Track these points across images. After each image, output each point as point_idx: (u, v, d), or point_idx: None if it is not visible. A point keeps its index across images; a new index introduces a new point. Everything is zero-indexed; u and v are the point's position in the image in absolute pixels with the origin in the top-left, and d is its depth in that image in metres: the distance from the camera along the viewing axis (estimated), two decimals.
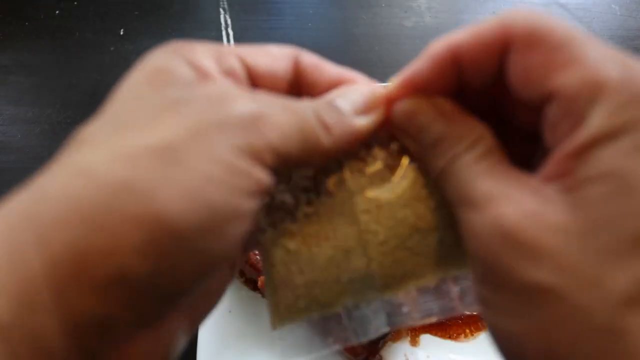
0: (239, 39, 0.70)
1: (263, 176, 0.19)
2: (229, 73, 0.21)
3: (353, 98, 0.22)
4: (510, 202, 0.18)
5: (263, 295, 0.53)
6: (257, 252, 0.53)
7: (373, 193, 0.22)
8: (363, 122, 0.22)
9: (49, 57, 0.69)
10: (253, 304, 0.53)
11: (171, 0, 0.74)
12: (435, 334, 0.52)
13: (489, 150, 0.20)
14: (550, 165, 0.18)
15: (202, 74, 0.20)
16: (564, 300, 0.16)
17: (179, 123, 0.18)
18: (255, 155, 0.18)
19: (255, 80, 0.23)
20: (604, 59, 0.17)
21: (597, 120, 0.16)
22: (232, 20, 0.72)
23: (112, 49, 0.69)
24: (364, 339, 0.23)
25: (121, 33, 0.70)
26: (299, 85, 0.24)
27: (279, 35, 0.71)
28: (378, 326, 0.23)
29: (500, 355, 0.19)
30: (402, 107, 0.22)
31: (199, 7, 0.74)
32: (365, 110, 0.22)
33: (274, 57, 0.24)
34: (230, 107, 0.18)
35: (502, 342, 0.19)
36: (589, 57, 0.17)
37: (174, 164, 0.17)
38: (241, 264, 0.54)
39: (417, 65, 0.21)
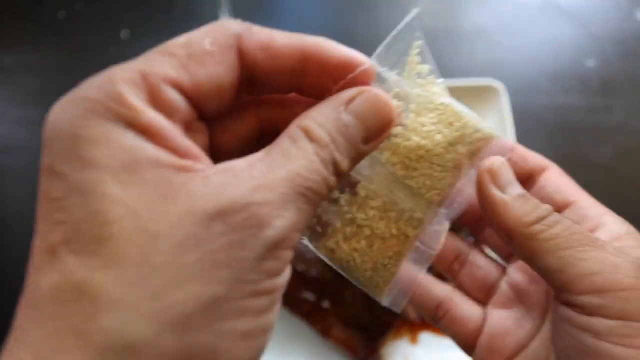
0: None
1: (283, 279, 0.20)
2: (166, 110, 0.18)
3: (370, 123, 0.20)
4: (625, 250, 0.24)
5: None
6: None
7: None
8: (369, 149, 0.21)
9: (53, 59, 0.69)
10: None
11: (174, 2, 0.74)
12: (435, 333, 0.52)
13: None
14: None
15: (142, 130, 0.17)
16: None
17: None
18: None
19: (200, 101, 0.19)
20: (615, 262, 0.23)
21: (614, 226, 0.25)
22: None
23: (114, 50, 0.69)
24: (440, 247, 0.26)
25: (124, 35, 0.71)
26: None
27: None
28: (443, 230, 0.26)
29: None
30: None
31: (201, 9, 0.74)
32: (375, 137, 0.21)
33: (218, 57, 0.19)
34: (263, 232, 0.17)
35: None
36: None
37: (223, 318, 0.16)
38: None
39: None
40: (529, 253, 0.23)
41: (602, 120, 0.64)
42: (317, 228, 0.25)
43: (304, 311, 0.51)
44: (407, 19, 0.24)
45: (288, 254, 0.19)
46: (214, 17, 0.72)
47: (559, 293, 0.23)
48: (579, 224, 0.24)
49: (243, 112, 0.22)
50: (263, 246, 0.17)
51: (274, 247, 0.17)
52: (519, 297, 0.28)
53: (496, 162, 0.24)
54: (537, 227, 0.23)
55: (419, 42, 0.24)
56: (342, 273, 0.26)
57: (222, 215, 0.16)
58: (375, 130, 0.21)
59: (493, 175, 0.24)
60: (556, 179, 0.27)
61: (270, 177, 0.17)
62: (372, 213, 0.24)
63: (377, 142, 0.21)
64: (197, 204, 0.16)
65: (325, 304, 0.51)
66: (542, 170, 0.28)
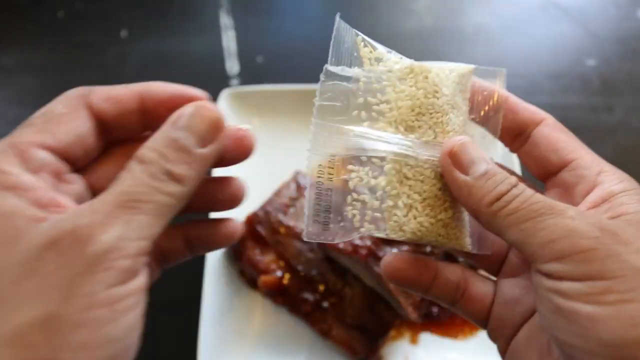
0: (240, 40, 0.70)
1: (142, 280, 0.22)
2: (34, 168, 0.22)
3: (198, 127, 0.23)
4: (591, 212, 0.24)
5: (263, 295, 0.53)
6: (257, 251, 0.53)
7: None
8: (210, 151, 0.24)
9: (51, 58, 0.69)
10: (253, 303, 0.53)
11: (172, 1, 0.74)
12: (435, 333, 0.52)
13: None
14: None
15: (10, 187, 0.21)
16: None
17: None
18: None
19: (66, 153, 0.24)
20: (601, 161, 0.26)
21: (611, 183, 0.25)
22: (232, 21, 0.72)
23: (114, 50, 0.69)
24: None
25: (123, 34, 0.71)
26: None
27: (279, 36, 0.72)
28: None
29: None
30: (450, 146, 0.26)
31: (199, 8, 0.74)
32: (212, 137, 0.24)
33: (71, 116, 0.24)
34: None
35: (593, 328, 0.21)
36: (592, 156, 0.27)
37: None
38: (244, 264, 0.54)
39: None
40: (495, 229, 0.24)
41: (602, 119, 0.64)
42: (375, 215, 0.26)
43: (304, 311, 0.51)
44: (335, 25, 0.27)
45: (124, 263, 0.20)
46: (211, 18, 0.72)
47: (529, 262, 0.23)
48: (575, 186, 0.26)
49: (113, 157, 0.27)
50: (88, 260, 0.19)
51: (102, 259, 0.20)
52: (525, 264, 0.28)
53: (456, 143, 0.25)
54: (498, 205, 0.23)
55: (359, 37, 0.27)
56: (419, 242, 0.27)
57: (52, 244, 0.20)
58: (207, 133, 0.24)
59: (454, 157, 0.25)
60: (550, 134, 0.27)
61: (97, 202, 0.21)
62: (410, 182, 0.26)
63: (216, 142, 0.24)
64: (33, 240, 0.20)
65: (325, 304, 0.51)
66: (535, 122, 0.28)
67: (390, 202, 0.25)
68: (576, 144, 0.27)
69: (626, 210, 0.23)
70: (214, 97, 0.60)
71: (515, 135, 0.28)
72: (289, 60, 0.69)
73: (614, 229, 0.22)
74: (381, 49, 0.27)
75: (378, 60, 0.27)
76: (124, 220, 0.20)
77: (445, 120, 0.26)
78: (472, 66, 0.28)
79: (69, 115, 0.24)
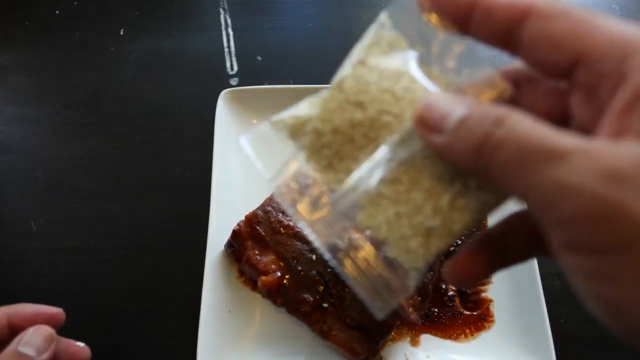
0: (239, 39, 0.70)
1: None
2: None
3: (36, 342, 0.33)
4: (609, 150, 0.17)
5: (263, 296, 0.53)
6: (256, 252, 0.53)
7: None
8: (46, 356, 0.34)
9: (49, 57, 0.69)
10: (253, 304, 0.53)
11: (172, 0, 0.74)
12: (436, 334, 0.52)
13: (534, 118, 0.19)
14: (610, 123, 0.18)
15: None
16: None
17: None
18: None
19: None
20: (626, 26, 0.18)
21: (638, 72, 0.17)
22: (232, 20, 0.72)
23: (112, 49, 0.69)
24: None
25: (121, 33, 0.70)
26: None
27: (279, 35, 0.71)
28: None
29: (605, 322, 0.18)
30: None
31: (199, 7, 0.74)
32: (46, 347, 0.34)
33: None
34: None
35: (614, 313, 0.17)
36: (611, 24, 0.18)
37: None
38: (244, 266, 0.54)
39: None
40: (493, 182, 0.20)
41: None
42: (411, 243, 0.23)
43: (303, 311, 0.51)
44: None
45: None
46: (210, 16, 0.72)
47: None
48: (598, 86, 0.19)
49: None
50: None
51: None
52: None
53: (420, 106, 0.21)
54: (483, 157, 0.19)
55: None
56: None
57: None
58: (43, 345, 0.34)
59: (423, 122, 0.21)
60: (543, 28, 0.20)
61: None
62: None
63: (49, 350, 0.34)
64: None
65: (325, 305, 0.51)
66: (519, 19, 0.20)
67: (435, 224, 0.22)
68: (581, 25, 0.19)
69: None
70: (214, 97, 0.60)
71: (502, 43, 0.21)
72: (289, 60, 0.68)
73: (636, 173, 0.16)
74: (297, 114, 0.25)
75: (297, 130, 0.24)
76: None
77: (386, 121, 0.22)
78: (381, 18, 0.23)
79: None
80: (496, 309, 0.53)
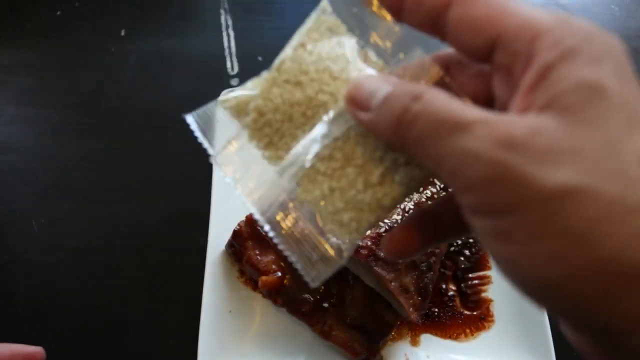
0: (240, 39, 0.70)
1: None
2: None
3: None
4: (508, 120, 0.18)
5: (263, 296, 0.53)
6: (257, 252, 0.53)
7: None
8: None
9: (49, 58, 0.69)
10: (253, 304, 0.53)
11: (172, 0, 0.74)
12: (436, 334, 0.52)
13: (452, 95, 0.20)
14: (519, 99, 0.19)
15: None
16: (595, 197, 0.16)
17: None
18: None
19: None
20: (537, 11, 0.20)
21: (546, 52, 0.18)
22: (232, 21, 0.72)
23: (112, 49, 0.69)
24: None
25: (122, 33, 0.70)
26: None
27: (280, 35, 0.71)
28: None
29: (512, 284, 0.19)
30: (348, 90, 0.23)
31: (199, 7, 0.74)
32: None
33: None
34: None
35: (513, 271, 0.18)
36: (525, 9, 0.20)
37: None
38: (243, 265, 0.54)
39: None
40: (417, 160, 0.22)
41: None
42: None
43: (303, 311, 0.51)
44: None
45: None
46: (210, 17, 0.72)
47: None
48: (512, 67, 0.20)
49: None
50: None
51: None
52: None
53: (350, 87, 0.23)
54: (400, 130, 0.20)
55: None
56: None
57: None
58: None
59: (352, 100, 0.22)
60: (464, 13, 0.21)
61: None
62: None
63: None
64: None
65: (325, 305, 0.51)
66: (446, 4, 0.21)
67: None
68: (497, 9, 0.20)
69: (561, 89, 0.18)
70: (215, 98, 0.60)
71: (432, 28, 0.23)
72: None
73: (527, 140, 0.17)
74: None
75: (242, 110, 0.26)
76: None
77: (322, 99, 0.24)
78: (322, 3, 0.25)
79: None
80: (496, 309, 0.53)
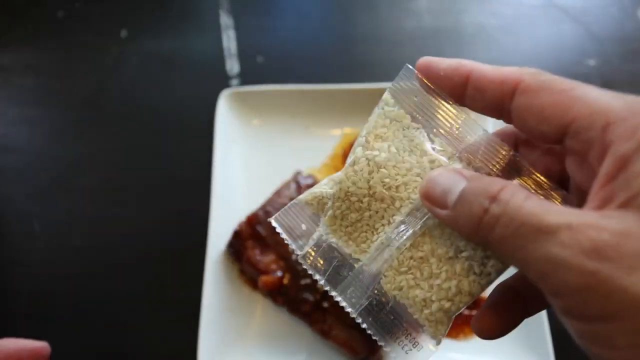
0: (240, 40, 0.70)
1: None
2: None
3: None
4: (592, 223, 0.18)
5: (263, 295, 0.53)
6: (257, 252, 0.53)
7: None
8: None
9: (51, 59, 0.69)
10: (253, 303, 0.53)
11: (173, 1, 0.74)
12: None
13: (529, 192, 0.20)
14: (597, 191, 0.19)
15: None
16: None
17: None
18: None
19: None
20: (606, 95, 0.20)
21: (621, 142, 0.18)
22: (233, 21, 0.72)
23: (114, 50, 0.69)
24: None
25: (122, 34, 0.70)
26: None
27: (280, 36, 0.72)
28: None
29: None
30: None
31: (200, 8, 0.74)
32: None
33: None
34: None
35: None
36: (593, 94, 0.20)
37: None
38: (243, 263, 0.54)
39: (441, 63, 0.24)
40: (495, 254, 0.22)
41: None
42: None
43: (304, 311, 0.51)
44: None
45: None
46: (211, 18, 0.72)
47: None
48: (587, 153, 0.20)
49: None
50: None
51: None
52: None
53: (423, 184, 0.23)
54: (482, 232, 0.20)
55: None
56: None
57: None
58: None
59: (429, 198, 0.23)
60: (531, 102, 0.21)
61: None
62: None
63: None
64: None
65: (325, 304, 0.51)
66: (509, 94, 0.22)
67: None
68: (566, 97, 0.20)
69: None
70: (215, 98, 0.60)
71: (496, 114, 0.23)
72: (289, 60, 0.69)
73: (616, 247, 0.17)
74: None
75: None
76: None
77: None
78: (384, 97, 0.25)
79: None
80: None
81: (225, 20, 0.72)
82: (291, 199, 0.56)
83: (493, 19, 0.71)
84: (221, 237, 0.54)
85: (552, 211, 0.19)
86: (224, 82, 0.67)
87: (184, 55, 0.69)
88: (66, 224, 0.58)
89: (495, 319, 0.25)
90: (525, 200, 0.19)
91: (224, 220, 0.54)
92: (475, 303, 0.54)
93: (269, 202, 0.55)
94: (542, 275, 0.19)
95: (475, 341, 0.51)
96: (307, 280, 0.51)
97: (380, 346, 0.50)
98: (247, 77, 0.67)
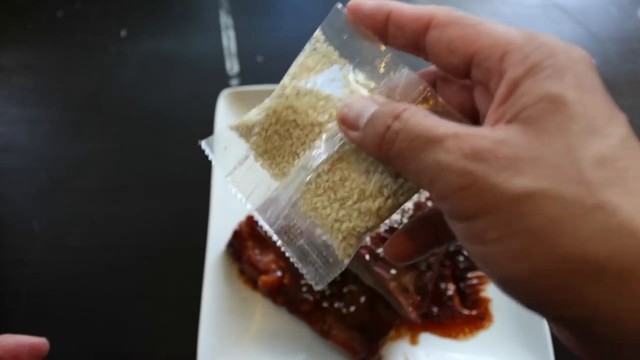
0: (240, 39, 0.70)
1: None
2: None
3: None
4: (476, 133, 0.20)
5: (263, 295, 0.53)
6: (257, 252, 0.53)
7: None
8: None
9: (51, 58, 0.69)
10: (253, 303, 0.53)
11: (172, 1, 0.74)
12: (435, 333, 0.52)
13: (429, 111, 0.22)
14: (491, 113, 0.21)
15: None
16: (555, 199, 0.18)
17: None
18: None
19: None
20: (508, 29, 0.22)
21: (514, 68, 0.20)
22: (232, 21, 0.72)
23: (113, 50, 0.69)
24: None
25: (122, 34, 0.70)
26: None
27: (279, 36, 0.72)
28: None
29: (494, 282, 0.21)
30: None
31: (200, 8, 0.74)
32: None
33: None
34: None
35: (487, 268, 0.20)
36: (497, 28, 0.22)
37: None
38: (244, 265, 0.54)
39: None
40: (403, 175, 0.24)
41: None
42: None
43: (303, 311, 0.51)
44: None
45: None
46: (211, 17, 0.72)
47: None
48: (488, 83, 0.22)
49: None
50: None
51: None
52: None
53: (341, 107, 0.25)
54: (384, 148, 0.22)
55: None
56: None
57: None
58: None
59: (343, 120, 0.24)
60: (440, 36, 0.23)
61: None
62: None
63: None
64: None
65: (325, 304, 0.51)
66: (423, 29, 0.23)
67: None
68: (473, 31, 0.22)
69: (525, 102, 0.19)
70: (215, 98, 0.60)
71: (415, 50, 0.24)
72: (289, 60, 0.68)
73: (492, 151, 0.19)
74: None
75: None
76: None
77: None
78: (315, 34, 0.27)
79: None
80: (495, 309, 0.53)
81: (225, 20, 0.72)
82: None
83: (493, 19, 0.71)
84: (221, 237, 0.54)
85: (444, 124, 0.21)
86: (223, 82, 0.67)
87: (184, 55, 0.69)
88: (66, 224, 0.58)
89: (407, 243, 0.27)
90: (424, 118, 0.21)
91: (224, 220, 0.54)
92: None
93: None
94: (430, 181, 0.20)
95: (476, 341, 0.52)
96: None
97: (380, 346, 0.50)
98: (247, 77, 0.67)
